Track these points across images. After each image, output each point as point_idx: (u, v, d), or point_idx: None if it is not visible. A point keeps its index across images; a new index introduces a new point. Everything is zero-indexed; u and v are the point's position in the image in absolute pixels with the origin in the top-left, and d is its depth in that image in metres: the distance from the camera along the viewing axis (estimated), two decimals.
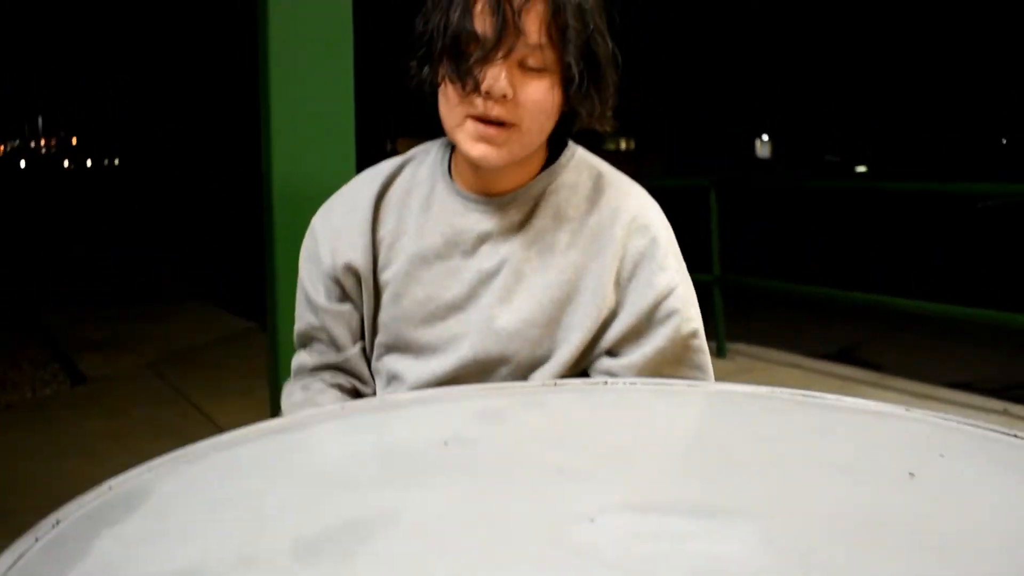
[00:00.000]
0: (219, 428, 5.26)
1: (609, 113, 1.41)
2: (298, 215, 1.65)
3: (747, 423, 1.13)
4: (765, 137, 51.35)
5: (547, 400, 1.24)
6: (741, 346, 6.76)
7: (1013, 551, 0.75)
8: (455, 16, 1.30)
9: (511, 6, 1.27)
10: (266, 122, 2.93)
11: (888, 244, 14.99)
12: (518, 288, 1.43)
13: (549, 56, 1.31)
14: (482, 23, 1.29)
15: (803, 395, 1.19)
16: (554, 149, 1.50)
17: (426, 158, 1.54)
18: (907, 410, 1.11)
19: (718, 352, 6.25)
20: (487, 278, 1.44)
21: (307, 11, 2.93)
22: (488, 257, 1.44)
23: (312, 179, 2.90)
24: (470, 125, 1.33)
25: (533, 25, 1.29)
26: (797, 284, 7.24)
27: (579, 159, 1.50)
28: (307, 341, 1.57)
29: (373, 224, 1.50)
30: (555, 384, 1.30)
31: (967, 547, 0.75)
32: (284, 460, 1.05)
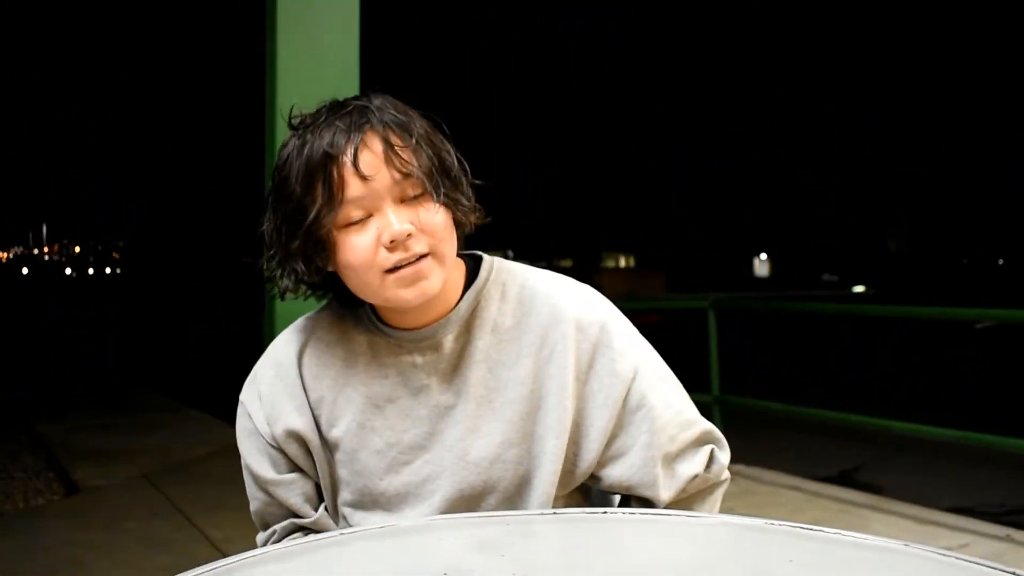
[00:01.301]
0: (213, 543, 5.22)
1: (477, 208, 1.39)
2: (299, 306, 1.57)
3: (745, 559, 1.13)
4: (763, 256, 51.72)
5: (544, 530, 1.24)
6: (741, 467, 6.71)
7: None
8: (310, 198, 1.28)
9: (350, 160, 1.27)
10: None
11: (888, 365, 14.98)
12: (482, 414, 1.39)
13: (414, 181, 1.30)
14: (327, 192, 1.28)
15: (802, 528, 1.18)
16: (469, 268, 1.47)
17: (343, 309, 1.48)
18: (906, 545, 1.11)
19: None
20: (445, 412, 1.40)
21: (315, 80, 2.95)
22: (440, 390, 1.40)
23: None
24: (390, 279, 1.30)
25: (380, 165, 1.27)
26: (797, 406, 7.22)
27: (497, 269, 1.46)
28: (264, 517, 1.49)
29: (304, 385, 1.44)
30: (553, 513, 1.30)
31: None
32: None
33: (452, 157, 1.35)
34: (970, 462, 6.74)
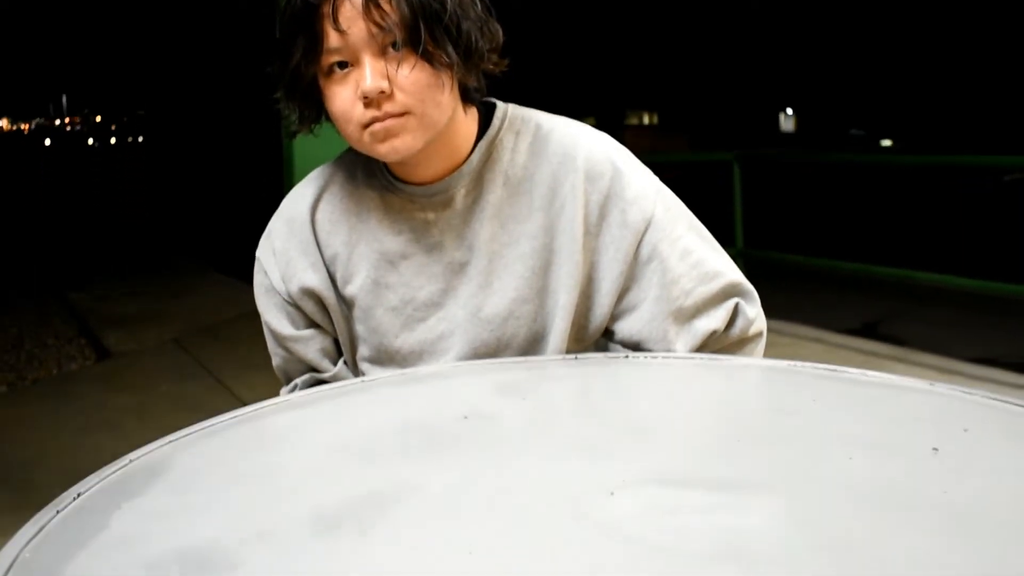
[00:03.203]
0: (243, 403, 5.26)
1: (484, 54, 1.30)
2: None
3: (769, 397, 1.13)
4: (789, 111, 51.02)
5: (566, 373, 1.24)
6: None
7: None
8: (293, 45, 1.26)
9: (327, 8, 1.22)
10: None
11: (912, 218, 14.89)
12: (495, 269, 1.38)
13: (397, 31, 1.23)
14: (308, 40, 1.25)
15: (826, 369, 1.18)
16: (486, 116, 1.42)
17: (357, 161, 1.45)
18: (931, 384, 1.10)
19: None
20: (459, 268, 1.38)
21: None
22: (454, 247, 1.38)
23: (333, 153, 2.89)
24: (366, 133, 1.27)
25: (357, 17, 1.22)
26: (820, 258, 7.20)
27: (511, 118, 1.42)
28: (285, 372, 1.51)
29: (317, 242, 1.43)
30: (575, 358, 1.29)
31: (990, 520, 0.75)
32: (304, 433, 1.05)
33: (447, 4, 1.24)
34: (995, 314, 6.72)
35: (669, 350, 1.35)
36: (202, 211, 19.42)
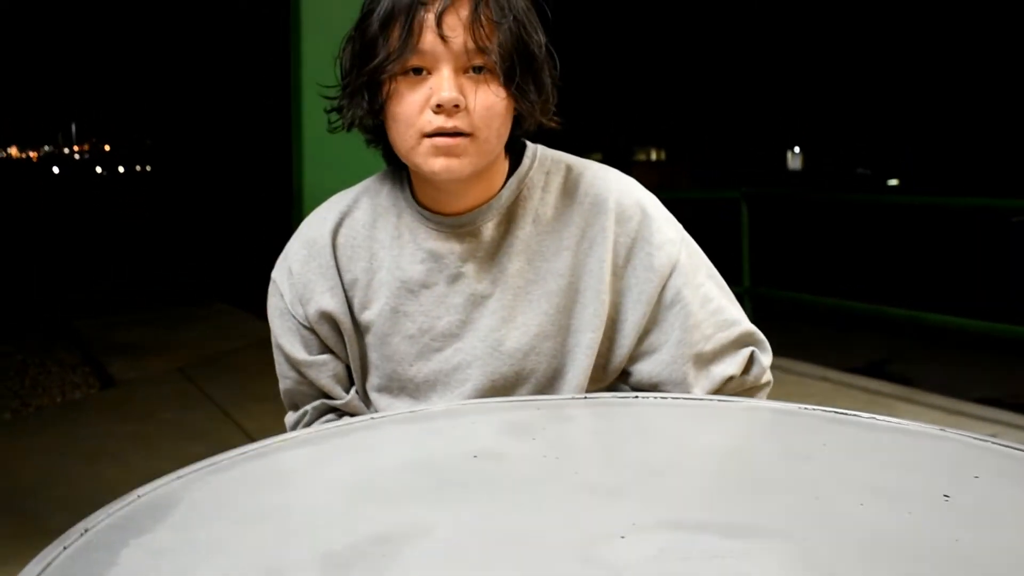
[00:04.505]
0: (247, 433, 5.29)
1: (552, 108, 1.36)
2: None
3: (779, 441, 1.12)
4: (796, 149, 51.13)
5: (576, 414, 1.24)
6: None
7: None
8: (384, 37, 1.27)
9: (434, 14, 1.24)
10: (297, 131, 2.93)
11: (919, 258, 14.89)
12: (518, 304, 1.38)
13: (486, 57, 1.26)
14: (403, 37, 1.26)
15: (836, 412, 1.17)
16: (514, 156, 1.43)
17: (382, 188, 1.46)
18: (942, 430, 1.10)
19: None
20: (481, 301, 1.38)
21: (340, 18, 2.93)
22: (477, 279, 1.38)
23: (341, 188, 2.90)
24: (426, 143, 1.27)
25: (460, 29, 1.25)
26: (827, 297, 7.19)
27: (541, 158, 1.43)
28: (295, 397, 1.49)
29: (337, 266, 1.42)
30: (584, 398, 1.29)
31: (1002, 570, 0.74)
32: (313, 472, 1.05)
33: (541, 49, 1.30)
34: (1001, 355, 6.70)
35: (691, 390, 1.37)
36: (209, 240, 19.47)
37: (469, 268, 1.38)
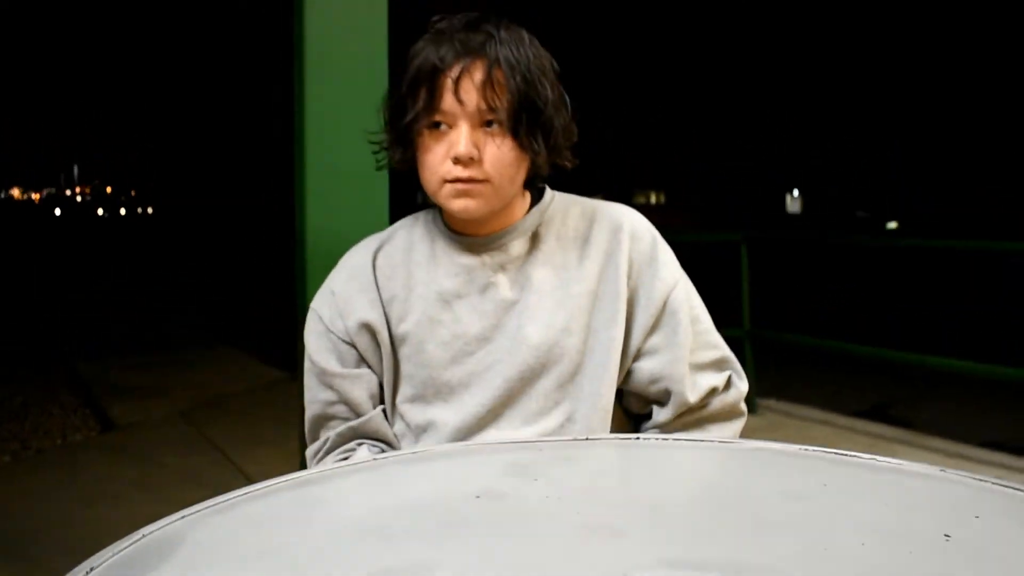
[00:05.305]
0: (248, 477, 5.28)
1: (565, 151, 1.54)
2: (330, 265, 1.67)
3: (780, 481, 1.12)
4: (796, 192, 51.27)
5: (578, 455, 1.24)
6: (772, 402, 6.71)
7: None
8: (412, 97, 1.45)
9: (452, 79, 1.42)
10: (300, 175, 2.95)
11: (919, 301, 14.89)
12: (544, 305, 1.52)
13: (496, 115, 1.44)
14: (426, 99, 1.44)
15: (836, 453, 1.18)
16: (535, 194, 1.62)
17: (416, 223, 1.64)
18: (942, 471, 1.10)
19: (749, 408, 6.16)
20: (510, 306, 1.53)
21: (342, 65, 2.96)
22: (506, 288, 1.54)
23: (345, 231, 2.89)
24: (448, 187, 1.46)
25: (474, 92, 1.43)
26: (828, 340, 7.19)
27: (560, 196, 1.63)
28: (321, 423, 1.60)
29: (376, 284, 1.58)
30: (586, 439, 1.30)
31: None
32: (316, 512, 1.05)
33: (548, 103, 1.46)
34: (1004, 398, 6.69)
35: (683, 392, 1.54)
36: (211, 283, 19.49)
37: (499, 278, 1.54)
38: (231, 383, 7.87)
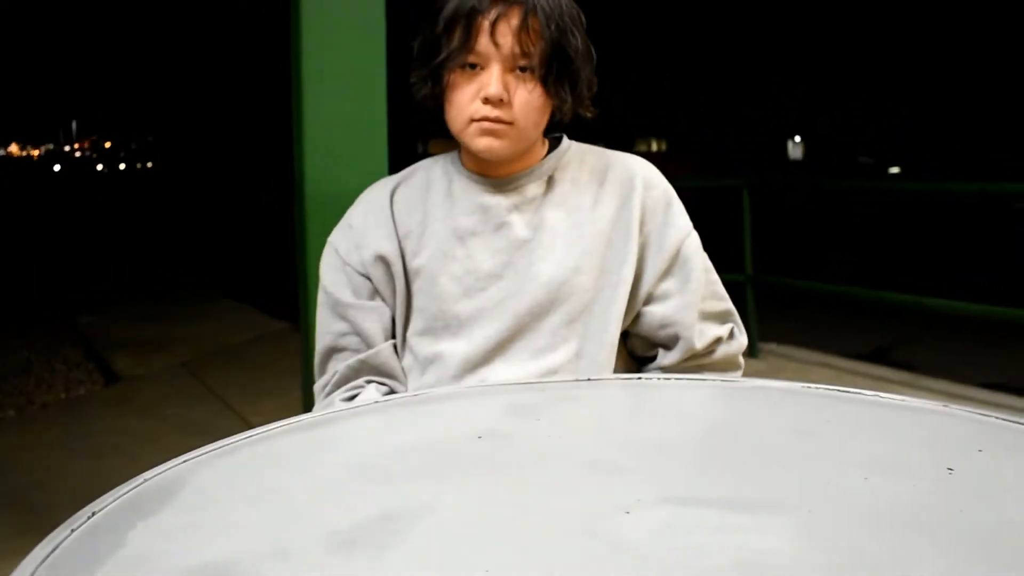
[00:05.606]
0: (252, 427, 5.26)
1: (587, 101, 1.57)
2: (330, 216, 1.68)
3: (783, 418, 1.12)
4: (797, 139, 51.04)
5: (581, 395, 1.24)
6: (773, 346, 6.73)
7: None
8: (447, 36, 1.48)
9: (489, 21, 1.45)
10: (298, 124, 2.93)
11: (923, 245, 14.88)
12: (556, 245, 1.55)
13: (529, 60, 1.48)
14: (462, 39, 1.47)
15: (839, 391, 1.18)
16: (553, 143, 1.65)
17: (434, 164, 1.67)
18: (945, 406, 1.10)
19: (750, 352, 6.20)
20: (523, 244, 1.56)
21: (340, 12, 2.93)
22: (520, 227, 1.56)
23: (344, 181, 2.89)
24: (474, 126, 1.50)
25: (510, 36, 1.46)
26: (829, 284, 7.18)
27: (576, 146, 1.66)
28: (331, 354, 1.63)
29: (393, 218, 1.61)
30: (588, 380, 1.30)
31: (1007, 541, 0.74)
32: (319, 454, 1.05)
33: (578, 53, 1.50)
34: (1005, 340, 6.70)
35: (691, 338, 1.56)
36: (212, 236, 19.48)
37: (513, 218, 1.57)
38: (234, 335, 7.88)
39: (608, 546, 0.74)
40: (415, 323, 1.58)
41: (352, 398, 1.57)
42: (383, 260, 1.58)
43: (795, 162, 50.00)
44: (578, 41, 1.50)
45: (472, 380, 1.51)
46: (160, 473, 0.95)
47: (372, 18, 3.00)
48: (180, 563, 0.75)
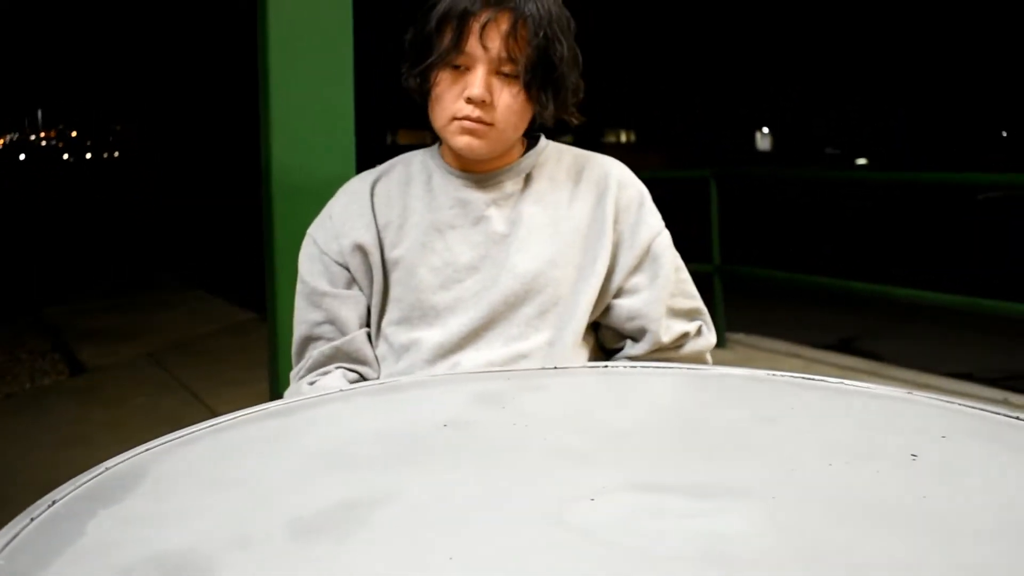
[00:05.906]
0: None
1: (572, 108, 1.61)
2: (298, 207, 1.70)
3: (748, 405, 1.13)
4: (765, 130, 51.25)
5: (547, 383, 1.24)
6: (741, 336, 6.75)
7: (1015, 531, 0.74)
8: (438, 36, 1.50)
9: (479, 25, 1.47)
10: (266, 114, 2.91)
11: (888, 235, 14.98)
12: (533, 239, 1.58)
13: (514, 66, 1.50)
14: (452, 40, 1.49)
15: (804, 378, 1.18)
16: (532, 143, 1.68)
17: (413, 159, 1.70)
18: (909, 393, 1.11)
19: (718, 343, 6.21)
20: (500, 239, 1.58)
21: (307, 3, 2.92)
22: (498, 221, 1.59)
23: (312, 171, 2.88)
24: (456, 123, 1.52)
25: (498, 40, 1.48)
26: (796, 274, 7.21)
27: (554, 146, 1.70)
28: (307, 344, 1.64)
29: (373, 209, 1.63)
30: (554, 368, 1.30)
31: (969, 527, 0.75)
32: (282, 442, 1.04)
33: (563, 61, 1.53)
34: (971, 330, 6.76)
35: (658, 332, 1.59)
36: (180, 227, 19.37)
37: (492, 212, 1.60)
38: (200, 325, 7.83)
39: (573, 533, 0.74)
40: (391, 313, 1.61)
41: (317, 382, 1.58)
42: (361, 250, 1.60)
43: (763, 153, 50.21)
44: (564, 49, 1.53)
45: (445, 365, 1.52)
46: (122, 462, 0.95)
47: (339, 9, 2.99)
48: (141, 551, 0.74)
